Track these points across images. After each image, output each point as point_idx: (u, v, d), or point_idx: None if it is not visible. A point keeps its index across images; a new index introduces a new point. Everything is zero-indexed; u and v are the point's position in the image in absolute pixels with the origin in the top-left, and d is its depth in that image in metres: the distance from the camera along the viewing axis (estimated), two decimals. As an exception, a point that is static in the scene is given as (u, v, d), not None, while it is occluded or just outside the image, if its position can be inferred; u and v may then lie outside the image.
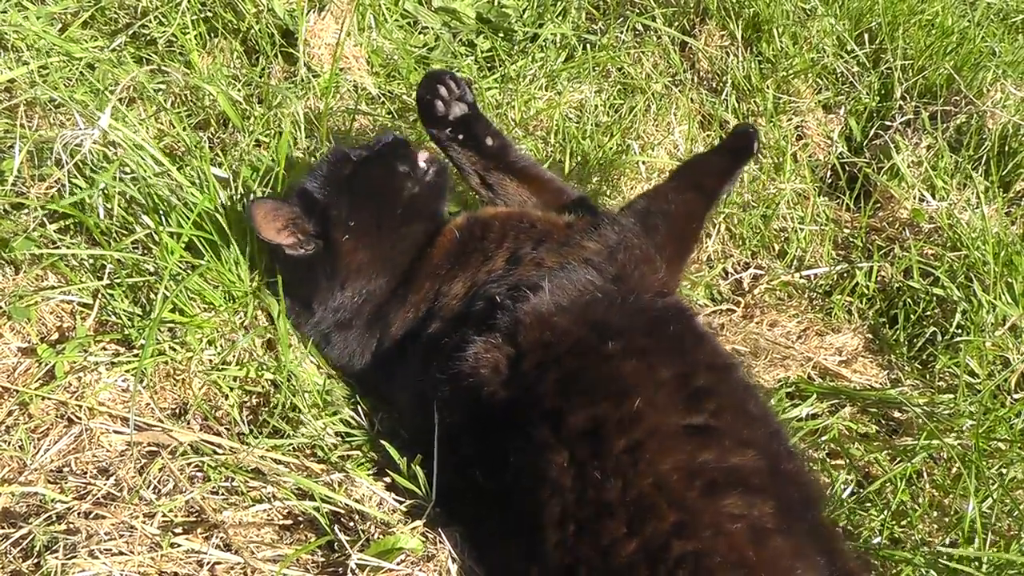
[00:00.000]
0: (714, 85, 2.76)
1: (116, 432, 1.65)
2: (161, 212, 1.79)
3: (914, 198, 2.47)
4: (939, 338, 2.17)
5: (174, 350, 1.76)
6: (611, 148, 2.49)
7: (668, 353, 1.52)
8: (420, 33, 2.73)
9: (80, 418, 1.65)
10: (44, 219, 1.78)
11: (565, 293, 1.63)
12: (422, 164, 1.90)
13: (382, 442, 1.67)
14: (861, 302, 2.33)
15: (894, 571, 1.63)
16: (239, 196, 1.89)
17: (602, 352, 1.51)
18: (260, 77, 2.43)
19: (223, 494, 1.59)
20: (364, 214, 1.83)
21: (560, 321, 1.58)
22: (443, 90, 1.95)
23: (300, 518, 1.59)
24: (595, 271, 1.69)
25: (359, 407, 1.81)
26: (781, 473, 1.40)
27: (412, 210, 1.87)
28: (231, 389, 1.78)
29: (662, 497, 1.30)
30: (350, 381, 1.91)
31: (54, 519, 1.47)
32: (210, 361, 1.79)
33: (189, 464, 1.62)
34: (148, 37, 2.44)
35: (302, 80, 2.39)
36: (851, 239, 2.46)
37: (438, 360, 1.64)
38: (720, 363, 1.58)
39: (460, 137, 1.99)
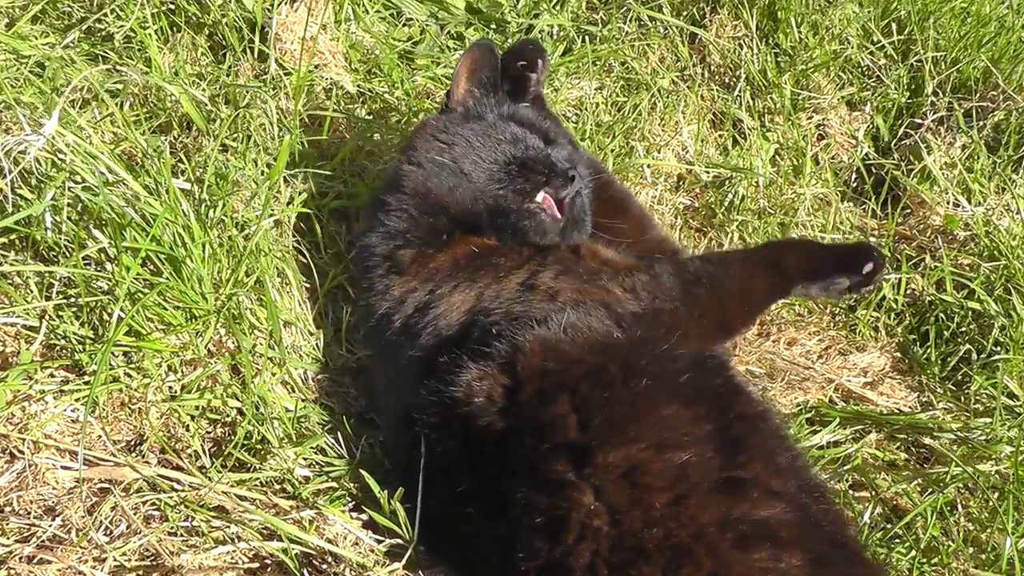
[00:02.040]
0: (726, 80, 2.76)
1: (64, 468, 1.64)
2: (116, 225, 1.78)
3: (947, 203, 2.47)
4: (975, 357, 2.16)
5: (129, 376, 1.74)
6: (613, 150, 2.49)
7: (705, 402, 1.53)
8: (404, 26, 2.73)
9: (23, 452, 1.63)
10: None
11: (578, 334, 1.60)
12: (539, 198, 1.84)
13: (361, 472, 1.66)
14: (889, 318, 2.32)
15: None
16: (203, 207, 1.88)
17: (631, 387, 1.51)
18: (227, 76, 2.43)
19: (182, 535, 1.58)
20: (471, 156, 1.86)
21: (568, 349, 1.57)
22: (540, 65, 2.05)
23: (267, 561, 1.58)
24: (613, 322, 1.64)
25: (339, 433, 1.80)
26: (809, 521, 1.43)
27: (488, 212, 1.83)
28: (192, 418, 1.77)
29: (700, 546, 1.34)
30: (329, 403, 1.91)
31: (-7, 565, 1.46)
32: (169, 388, 1.77)
33: (145, 502, 1.61)
34: (104, 32, 2.44)
35: (273, 78, 2.38)
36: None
37: (430, 378, 1.63)
38: (753, 412, 1.59)
39: None
